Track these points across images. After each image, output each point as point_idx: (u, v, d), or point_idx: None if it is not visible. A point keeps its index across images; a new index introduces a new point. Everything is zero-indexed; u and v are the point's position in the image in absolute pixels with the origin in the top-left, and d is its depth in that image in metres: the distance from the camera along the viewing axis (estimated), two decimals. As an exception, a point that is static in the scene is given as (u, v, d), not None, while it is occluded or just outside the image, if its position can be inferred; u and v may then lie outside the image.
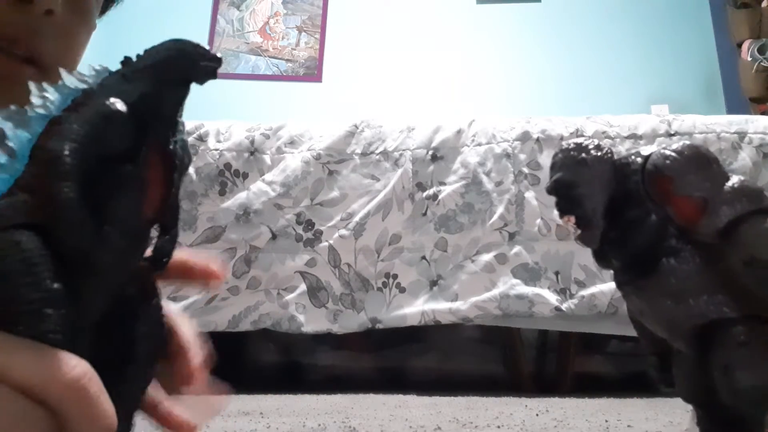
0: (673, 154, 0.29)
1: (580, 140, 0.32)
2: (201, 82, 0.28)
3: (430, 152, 1.49)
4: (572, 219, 0.32)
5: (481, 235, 1.40)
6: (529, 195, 1.43)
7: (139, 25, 3.33)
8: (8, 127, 0.25)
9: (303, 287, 1.39)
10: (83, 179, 0.24)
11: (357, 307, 1.38)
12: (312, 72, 3.36)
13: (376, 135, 1.52)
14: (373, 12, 3.41)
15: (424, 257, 1.40)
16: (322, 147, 1.50)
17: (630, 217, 0.30)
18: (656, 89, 3.11)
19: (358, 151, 1.50)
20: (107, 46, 3.54)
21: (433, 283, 1.39)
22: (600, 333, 1.39)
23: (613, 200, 0.31)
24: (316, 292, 1.39)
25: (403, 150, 1.49)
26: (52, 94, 0.26)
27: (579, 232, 0.32)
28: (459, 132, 1.51)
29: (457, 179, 1.45)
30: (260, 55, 3.40)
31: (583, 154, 0.31)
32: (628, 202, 0.30)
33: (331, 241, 1.41)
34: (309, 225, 1.44)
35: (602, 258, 0.32)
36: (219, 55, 0.28)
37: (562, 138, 1.48)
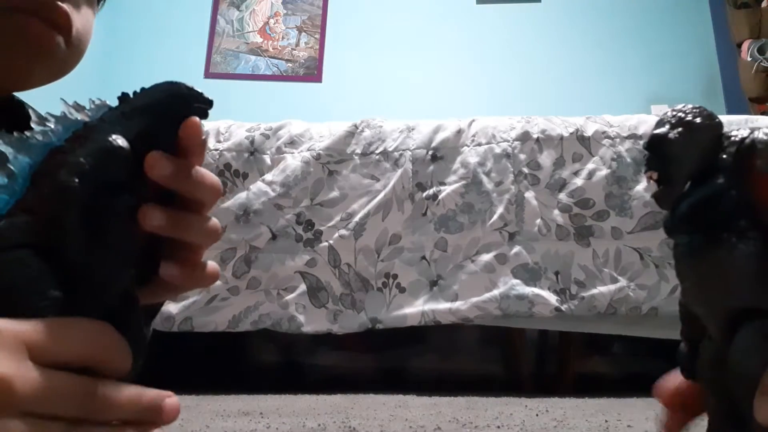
0: None
1: (694, 105, 0.32)
2: None
3: (430, 152, 1.49)
4: (655, 175, 0.31)
5: (481, 235, 1.40)
6: (529, 195, 1.43)
7: (140, 24, 3.33)
8: (9, 152, 0.27)
9: (303, 287, 1.39)
10: (87, 207, 0.27)
11: (357, 308, 1.38)
12: (312, 72, 3.36)
13: (376, 135, 1.52)
14: (373, 12, 3.41)
15: (424, 257, 1.40)
16: (322, 147, 1.50)
17: (712, 187, 0.30)
18: (656, 89, 3.11)
19: (358, 151, 1.50)
20: (108, 45, 3.52)
21: (433, 283, 1.39)
22: (600, 333, 1.39)
23: (703, 170, 0.31)
24: (316, 292, 1.39)
25: (403, 150, 1.49)
26: (53, 125, 0.28)
27: (657, 189, 0.32)
28: (459, 132, 1.51)
29: (457, 179, 1.45)
30: (260, 55, 3.40)
31: (691, 117, 0.31)
32: (715, 173, 0.30)
33: (331, 241, 1.41)
34: (309, 225, 1.44)
35: (670, 222, 0.32)
36: (210, 97, 0.31)
37: (562, 138, 1.48)
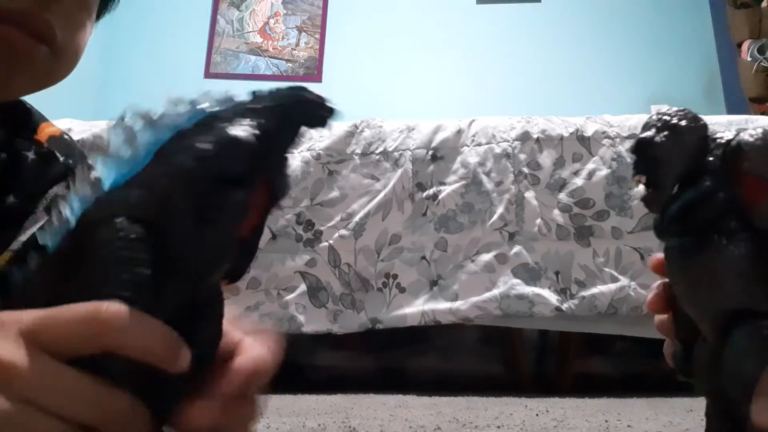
0: (759, 134, 0.29)
1: (678, 108, 0.32)
2: (313, 127, 0.31)
3: (430, 152, 1.49)
4: (643, 179, 0.32)
5: (481, 235, 1.40)
6: (529, 195, 1.43)
7: (140, 24, 3.33)
8: (137, 127, 0.28)
9: (303, 287, 1.39)
10: (199, 192, 0.27)
11: (357, 307, 1.38)
12: (312, 72, 3.36)
13: (376, 135, 1.52)
14: (373, 12, 3.41)
15: (424, 257, 1.40)
16: (322, 147, 1.50)
17: (700, 189, 0.30)
18: (656, 89, 3.11)
19: (358, 151, 1.50)
20: (108, 45, 3.51)
21: (433, 283, 1.39)
22: (600, 333, 1.39)
23: (690, 172, 0.31)
24: (316, 292, 1.39)
25: (403, 150, 1.49)
26: (183, 108, 0.29)
27: (646, 193, 0.32)
28: (459, 132, 1.51)
29: (457, 179, 1.45)
30: (260, 55, 3.40)
31: (676, 120, 0.31)
32: (703, 175, 0.30)
33: (331, 241, 1.41)
34: (309, 225, 1.44)
35: (660, 226, 0.32)
36: (334, 106, 0.31)
37: (562, 138, 1.48)
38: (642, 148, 0.31)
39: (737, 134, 0.29)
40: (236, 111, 0.29)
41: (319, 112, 0.31)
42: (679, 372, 0.34)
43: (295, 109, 0.30)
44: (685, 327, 0.33)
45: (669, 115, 0.31)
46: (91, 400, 0.24)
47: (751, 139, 0.29)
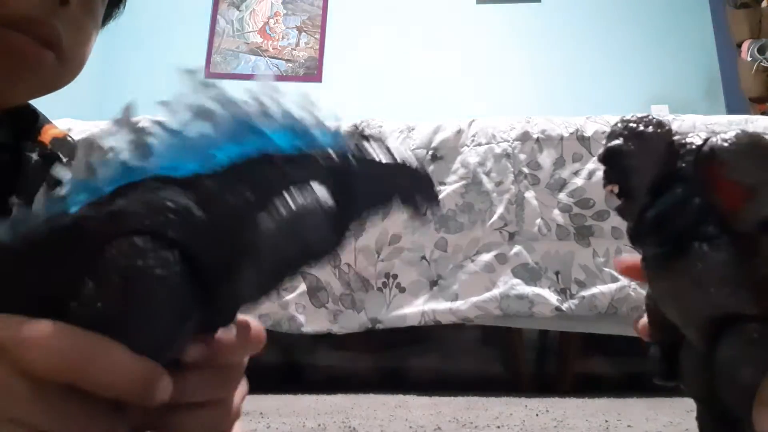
0: (732, 138, 0.28)
1: (643, 114, 0.32)
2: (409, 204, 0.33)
3: (430, 152, 1.48)
4: (615, 188, 0.31)
5: (481, 235, 1.40)
6: (529, 195, 1.43)
7: (140, 24, 3.33)
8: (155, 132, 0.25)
9: (303, 287, 1.39)
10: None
11: (357, 307, 1.38)
12: (312, 72, 3.36)
13: (375, 135, 1.52)
14: (373, 12, 3.41)
15: (424, 257, 1.40)
16: (322, 147, 1.50)
17: (674, 196, 0.30)
18: (656, 89, 3.11)
19: (358, 151, 1.50)
20: (108, 45, 3.51)
21: (433, 283, 1.39)
22: (600, 333, 1.39)
23: (661, 178, 0.30)
24: (315, 292, 1.39)
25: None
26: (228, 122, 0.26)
27: (619, 202, 0.32)
28: (459, 132, 1.51)
29: (457, 179, 1.45)
30: (260, 55, 3.40)
31: (642, 127, 0.31)
32: (675, 181, 0.30)
33: (331, 241, 1.41)
34: (309, 225, 1.44)
35: (636, 234, 0.32)
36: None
37: (562, 138, 1.48)
38: (611, 157, 0.31)
39: (707, 139, 0.29)
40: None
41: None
42: (657, 375, 0.34)
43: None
44: (661, 329, 0.33)
45: (633, 122, 0.31)
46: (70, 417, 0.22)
47: (725, 145, 0.28)
